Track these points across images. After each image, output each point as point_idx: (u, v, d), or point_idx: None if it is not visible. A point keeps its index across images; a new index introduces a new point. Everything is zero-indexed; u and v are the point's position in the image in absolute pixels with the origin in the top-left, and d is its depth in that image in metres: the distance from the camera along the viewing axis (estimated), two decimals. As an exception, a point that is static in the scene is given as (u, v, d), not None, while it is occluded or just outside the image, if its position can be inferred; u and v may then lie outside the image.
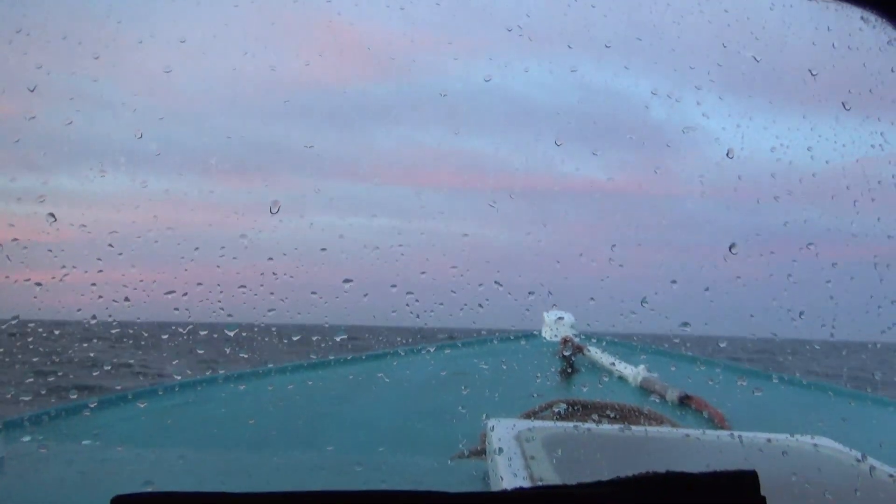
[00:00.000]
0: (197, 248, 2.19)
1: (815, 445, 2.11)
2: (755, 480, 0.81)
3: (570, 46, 2.07)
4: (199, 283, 2.18)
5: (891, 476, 1.83)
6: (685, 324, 2.18)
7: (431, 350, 5.70)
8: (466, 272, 2.28)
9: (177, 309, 2.17)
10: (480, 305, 2.31)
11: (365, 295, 2.26)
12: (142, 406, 3.56)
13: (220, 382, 4.11)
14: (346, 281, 2.23)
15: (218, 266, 2.17)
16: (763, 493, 0.80)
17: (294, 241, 2.22)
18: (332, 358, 4.94)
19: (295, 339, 2.98)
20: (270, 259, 2.26)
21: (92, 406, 3.37)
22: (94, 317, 2.11)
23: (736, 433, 2.18)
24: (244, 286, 2.23)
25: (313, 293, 2.30)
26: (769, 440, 2.13)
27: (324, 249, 2.26)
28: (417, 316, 2.32)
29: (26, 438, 2.73)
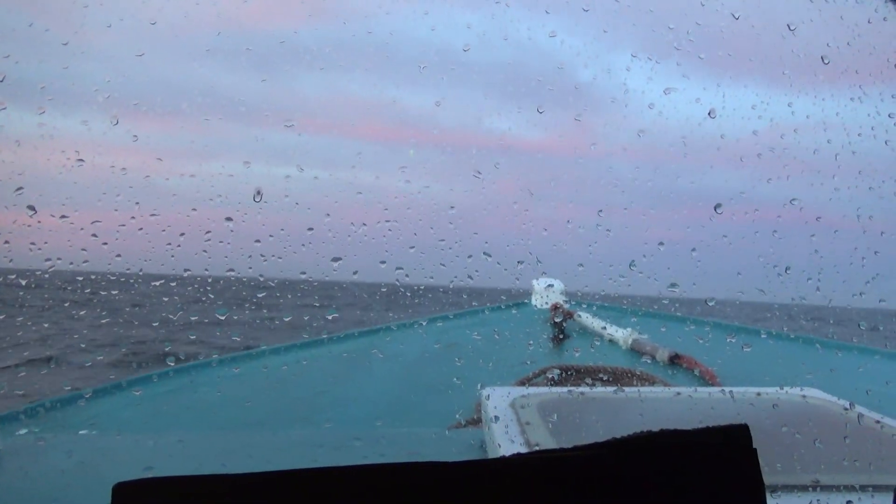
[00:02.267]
0: (118, 195, 2.09)
1: (804, 396, 2.16)
2: (747, 433, 0.82)
3: (507, 5, 2.03)
4: (121, 227, 2.08)
5: (877, 422, 1.87)
6: (633, 264, 2.17)
7: (424, 324, 5.73)
8: (400, 226, 2.22)
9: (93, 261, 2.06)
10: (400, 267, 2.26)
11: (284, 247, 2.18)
12: (137, 393, 3.57)
13: (214, 366, 4.12)
14: (265, 238, 2.16)
15: (130, 217, 2.07)
16: (755, 445, 0.82)
17: (218, 188, 2.14)
18: (325, 336, 4.95)
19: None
20: (194, 210, 2.17)
21: (87, 396, 3.37)
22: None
23: (726, 389, 2.21)
24: (151, 230, 2.12)
25: (257, 241, 2.22)
26: (759, 394, 2.17)
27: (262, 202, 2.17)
28: (354, 272, 2.26)
29: (23, 431, 2.72)
